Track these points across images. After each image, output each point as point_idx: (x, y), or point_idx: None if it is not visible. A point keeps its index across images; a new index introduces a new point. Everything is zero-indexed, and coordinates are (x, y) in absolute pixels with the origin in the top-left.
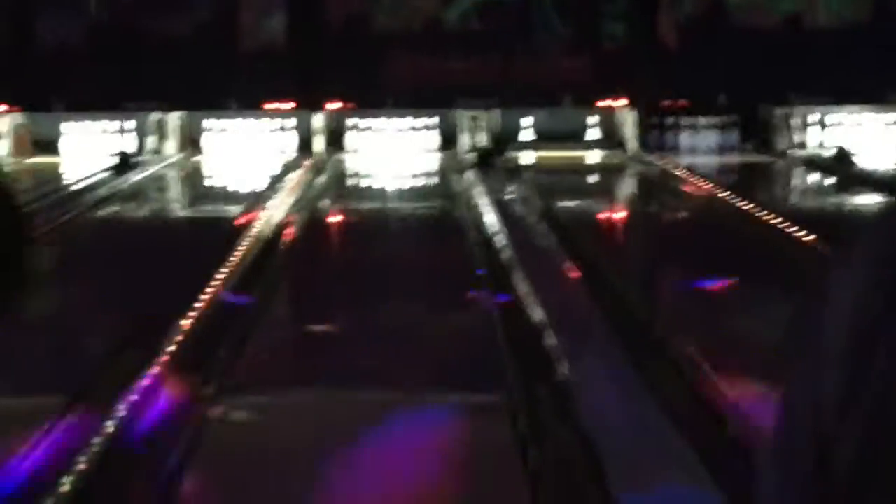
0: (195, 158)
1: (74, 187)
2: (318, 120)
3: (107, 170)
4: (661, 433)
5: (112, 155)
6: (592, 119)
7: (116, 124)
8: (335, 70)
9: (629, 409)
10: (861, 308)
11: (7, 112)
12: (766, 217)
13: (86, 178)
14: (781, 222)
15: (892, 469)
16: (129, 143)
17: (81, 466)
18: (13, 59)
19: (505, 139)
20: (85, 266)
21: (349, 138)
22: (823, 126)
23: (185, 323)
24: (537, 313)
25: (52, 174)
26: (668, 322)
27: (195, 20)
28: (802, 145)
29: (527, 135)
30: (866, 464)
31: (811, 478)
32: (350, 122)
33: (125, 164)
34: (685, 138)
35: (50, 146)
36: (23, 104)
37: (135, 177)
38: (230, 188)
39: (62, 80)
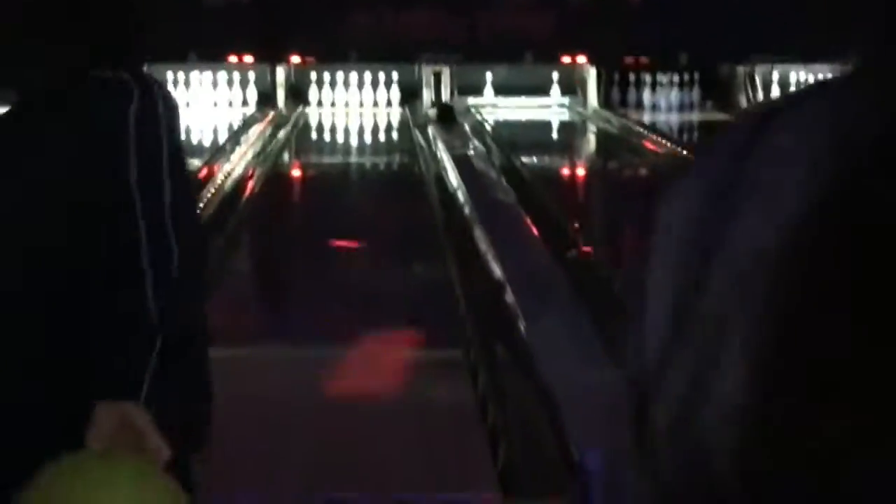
0: None
1: None
2: (279, 73)
3: None
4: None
5: None
6: (555, 75)
7: None
8: (297, 24)
9: (590, 367)
10: (691, 220)
11: None
12: None
13: None
14: None
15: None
16: None
17: None
18: None
19: (464, 96)
20: None
21: (311, 92)
22: (785, 85)
23: None
24: (497, 271)
25: None
26: (627, 278)
27: None
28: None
29: (489, 90)
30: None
31: (635, 442)
32: (312, 75)
33: None
34: (646, 95)
35: None
36: None
37: None
38: (190, 141)
39: None
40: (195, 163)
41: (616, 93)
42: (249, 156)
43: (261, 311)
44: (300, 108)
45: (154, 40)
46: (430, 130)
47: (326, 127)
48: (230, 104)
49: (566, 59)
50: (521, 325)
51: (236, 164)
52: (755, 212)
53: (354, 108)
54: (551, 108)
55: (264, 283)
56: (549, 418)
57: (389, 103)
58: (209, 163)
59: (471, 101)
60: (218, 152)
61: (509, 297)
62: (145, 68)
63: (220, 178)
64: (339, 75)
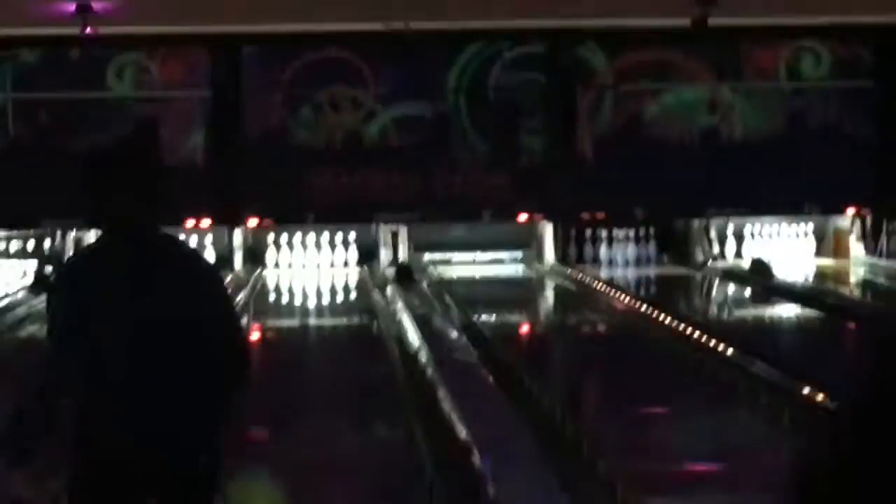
0: None
1: None
2: (237, 236)
3: (23, 289)
4: None
5: (25, 275)
6: (511, 232)
7: (27, 243)
8: (254, 186)
9: None
10: None
11: None
12: (685, 329)
13: (2, 297)
14: (700, 335)
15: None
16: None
17: None
18: None
19: (421, 256)
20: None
21: (269, 254)
22: (740, 238)
23: None
24: (462, 432)
25: None
26: (595, 441)
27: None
28: (720, 257)
29: (446, 248)
30: None
31: None
32: (270, 237)
33: (41, 282)
34: (603, 250)
35: None
36: None
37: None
38: None
39: None
40: None
41: (573, 248)
42: None
43: None
44: (258, 271)
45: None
46: (389, 289)
47: (284, 289)
48: None
49: (523, 217)
50: (490, 489)
51: None
52: None
53: (312, 269)
54: (510, 265)
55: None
56: None
57: (347, 264)
58: None
59: (427, 256)
60: None
61: (476, 459)
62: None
63: None
64: (297, 236)
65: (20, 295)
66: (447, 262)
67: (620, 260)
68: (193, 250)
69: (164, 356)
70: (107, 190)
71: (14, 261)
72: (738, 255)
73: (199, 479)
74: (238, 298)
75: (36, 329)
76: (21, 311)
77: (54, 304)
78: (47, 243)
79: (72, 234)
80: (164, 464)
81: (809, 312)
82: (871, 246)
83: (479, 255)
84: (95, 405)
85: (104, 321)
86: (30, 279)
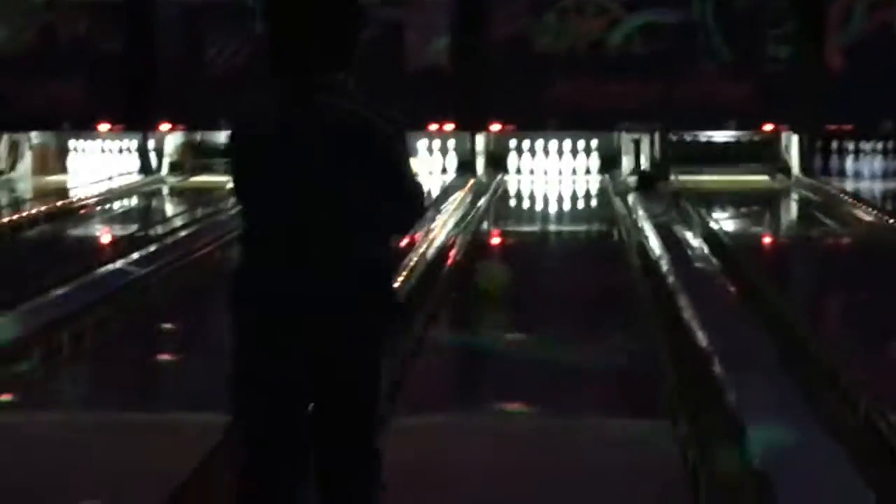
0: None
1: None
2: (479, 141)
3: None
4: (832, 466)
5: None
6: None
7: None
8: (497, 91)
9: (799, 440)
10: None
11: (172, 130)
12: None
13: None
14: None
15: None
16: None
17: None
18: (179, 78)
19: (667, 162)
20: None
21: (511, 160)
22: None
23: None
24: (703, 340)
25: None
26: (837, 352)
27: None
28: None
29: (690, 158)
30: None
31: None
32: (512, 143)
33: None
34: (849, 163)
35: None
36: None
37: None
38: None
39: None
40: None
41: (818, 160)
42: (451, 224)
43: (460, 383)
44: (499, 176)
45: None
46: (631, 198)
47: (525, 195)
48: (430, 173)
49: (768, 128)
50: (731, 396)
51: (438, 232)
52: None
53: (554, 176)
54: (754, 176)
55: (462, 353)
56: (757, 494)
57: (588, 171)
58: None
59: (671, 168)
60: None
61: (717, 367)
62: None
63: (422, 245)
64: (539, 143)
65: None
66: (691, 172)
67: (867, 173)
68: (364, 119)
69: (323, 215)
70: (279, 29)
71: None
72: None
73: (363, 370)
74: (479, 203)
75: None
76: None
77: (228, 167)
78: None
79: None
80: (326, 328)
81: None
82: None
83: (724, 167)
84: (261, 259)
85: (261, 184)
86: None
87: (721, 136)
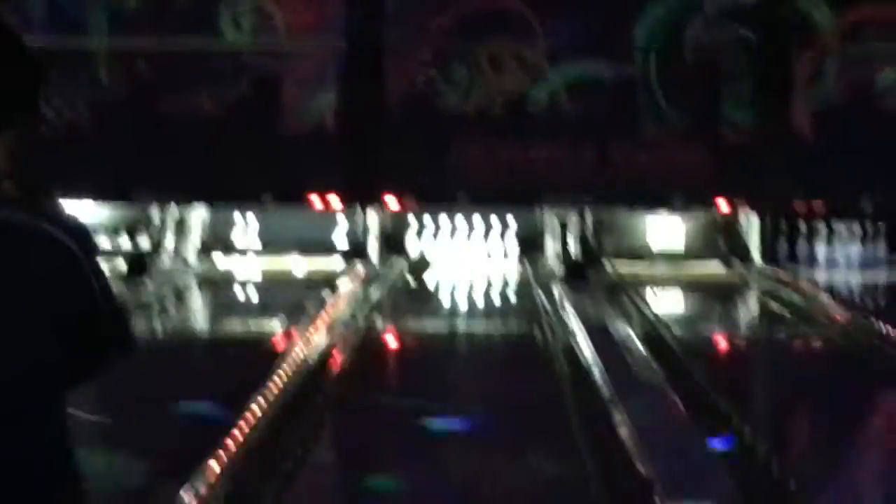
0: (221, 262)
1: None
2: (372, 219)
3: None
4: None
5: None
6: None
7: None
8: (394, 158)
9: None
10: None
11: None
12: None
13: None
14: None
15: None
16: (141, 242)
17: None
18: None
19: (600, 246)
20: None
21: (410, 242)
22: None
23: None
24: (646, 469)
25: None
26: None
27: (227, 98)
28: None
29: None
30: None
31: None
32: (412, 221)
33: (139, 267)
34: (821, 249)
35: None
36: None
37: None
38: (264, 300)
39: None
40: (270, 327)
41: (783, 246)
42: (337, 320)
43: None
44: (397, 262)
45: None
46: (557, 289)
47: (429, 285)
48: (312, 255)
49: (722, 205)
50: None
51: (320, 330)
52: None
53: (463, 261)
54: (706, 264)
55: (349, 480)
56: None
57: (506, 255)
58: (287, 329)
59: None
60: (298, 315)
61: (658, 498)
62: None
63: (299, 348)
64: (445, 221)
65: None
66: (630, 258)
67: (842, 261)
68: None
69: None
70: None
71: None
72: None
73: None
74: (373, 295)
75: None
76: None
77: None
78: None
79: (173, 210)
80: None
81: None
82: None
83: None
84: None
85: None
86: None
87: (666, 215)
